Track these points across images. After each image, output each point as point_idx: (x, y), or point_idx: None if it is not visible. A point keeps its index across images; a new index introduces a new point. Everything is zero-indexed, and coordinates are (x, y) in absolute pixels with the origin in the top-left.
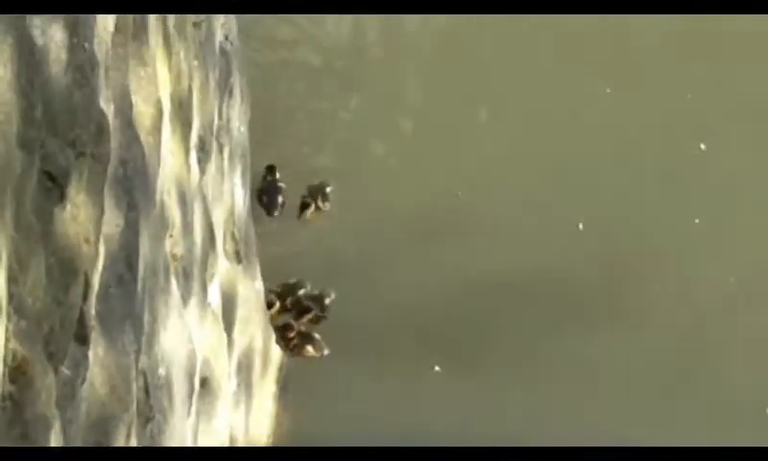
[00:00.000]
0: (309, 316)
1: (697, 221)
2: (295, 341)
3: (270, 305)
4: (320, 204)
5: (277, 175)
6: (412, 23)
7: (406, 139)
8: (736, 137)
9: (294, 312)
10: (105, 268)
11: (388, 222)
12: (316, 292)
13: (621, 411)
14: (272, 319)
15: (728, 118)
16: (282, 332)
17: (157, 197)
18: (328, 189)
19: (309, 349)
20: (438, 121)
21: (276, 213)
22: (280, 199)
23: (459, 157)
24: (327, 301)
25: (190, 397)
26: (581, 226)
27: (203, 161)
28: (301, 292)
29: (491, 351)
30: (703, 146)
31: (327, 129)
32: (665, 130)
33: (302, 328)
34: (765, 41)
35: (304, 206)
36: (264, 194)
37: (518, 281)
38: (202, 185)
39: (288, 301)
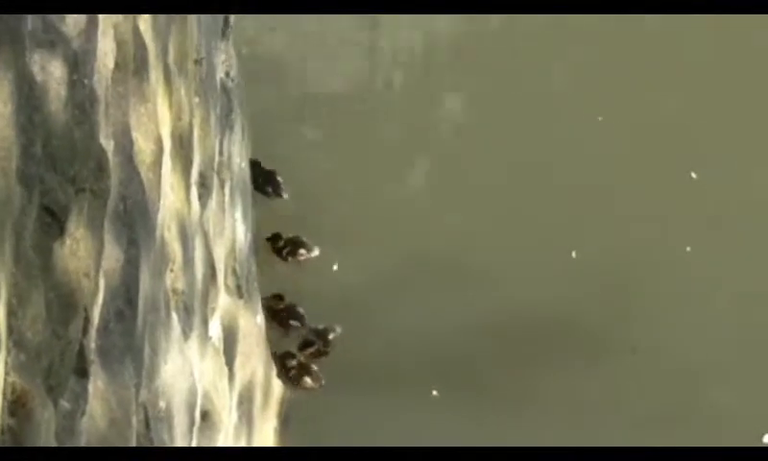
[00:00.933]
0: (311, 349)
1: (689, 249)
2: (293, 372)
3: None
4: (321, 348)
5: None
6: (421, 62)
7: (412, 178)
8: (727, 165)
9: (297, 344)
10: (105, 303)
11: (389, 259)
12: (321, 327)
13: (614, 441)
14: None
15: (718, 146)
16: (283, 361)
17: (158, 232)
18: (331, 336)
19: (308, 380)
20: (433, 154)
21: (285, 194)
22: (280, 179)
23: (455, 189)
24: (331, 336)
25: (191, 430)
26: (574, 254)
27: (204, 197)
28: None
29: (487, 381)
30: (694, 174)
31: (330, 165)
32: (657, 158)
33: (302, 359)
34: (757, 71)
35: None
36: (267, 184)
37: (514, 313)
38: (203, 221)
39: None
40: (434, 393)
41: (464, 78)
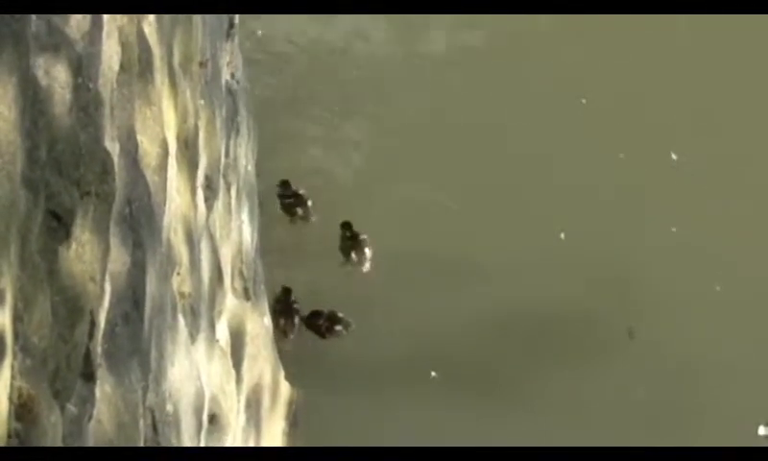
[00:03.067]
0: (313, 321)
1: (674, 229)
2: (278, 306)
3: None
4: (323, 328)
5: (293, 297)
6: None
7: (408, 173)
8: (705, 145)
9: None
10: (111, 306)
11: (387, 257)
12: (340, 314)
13: (611, 430)
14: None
15: (695, 127)
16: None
17: (164, 235)
18: (338, 328)
19: (281, 322)
20: (428, 149)
21: (292, 336)
22: (297, 320)
23: (445, 179)
24: (338, 328)
25: (198, 433)
26: (563, 235)
27: (210, 199)
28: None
29: (487, 373)
30: (674, 155)
31: (334, 166)
32: (638, 140)
33: (296, 307)
34: (734, 54)
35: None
36: (282, 316)
37: (508, 302)
38: (209, 223)
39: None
40: (432, 374)
41: (456, 73)
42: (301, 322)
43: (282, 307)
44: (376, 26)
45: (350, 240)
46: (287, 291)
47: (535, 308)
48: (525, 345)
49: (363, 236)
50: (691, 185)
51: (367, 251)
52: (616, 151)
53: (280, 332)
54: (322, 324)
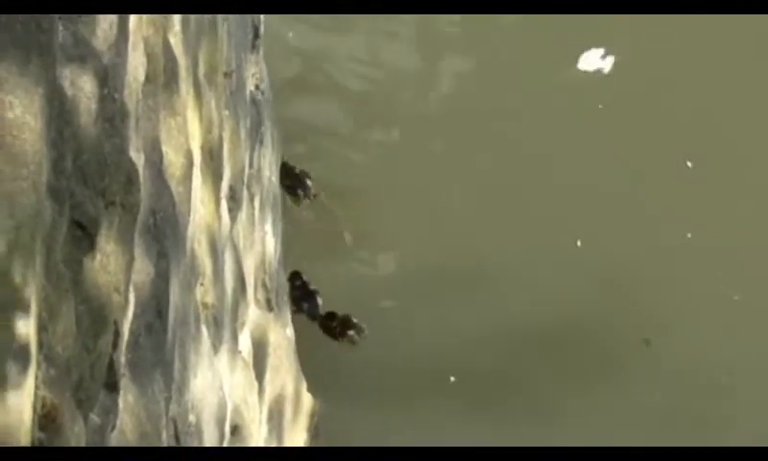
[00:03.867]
0: (326, 323)
1: (689, 236)
2: (297, 292)
3: None
4: (336, 332)
5: (304, 277)
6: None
7: (421, 179)
8: (720, 153)
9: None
10: (135, 317)
11: (400, 264)
12: (354, 320)
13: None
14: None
15: (710, 135)
16: (293, 278)
17: (188, 246)
18: (351, 332)
19: (305, 306)
20: (437, 155)
21: (321, 315)
22: (320, 300)
23: (458, 186)
24: (351, 332)
25: (221, 444)
26: (579, 243)
27: (233, 210)
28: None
29: (505, 383)
30: (689, 163)
31: (348, 174)
32: (653, 148)
33: (313, 288)
34: (752, 60)
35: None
36: (304, 301)
37: (524, 310)
38: (232, 234)
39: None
40: (452, 378)
41: (471, 74)
42: (320, 322)
43: (301, 293)
44: (395, 30)
45: (288, 178)
46: (296, 274)
47: (552, 316)
48: (543, 352)
49: (298, 169)
50: (706, 193)
51: (308, 182)
52: (632, 158)
53: (308, 317)
54: (335, 326)
